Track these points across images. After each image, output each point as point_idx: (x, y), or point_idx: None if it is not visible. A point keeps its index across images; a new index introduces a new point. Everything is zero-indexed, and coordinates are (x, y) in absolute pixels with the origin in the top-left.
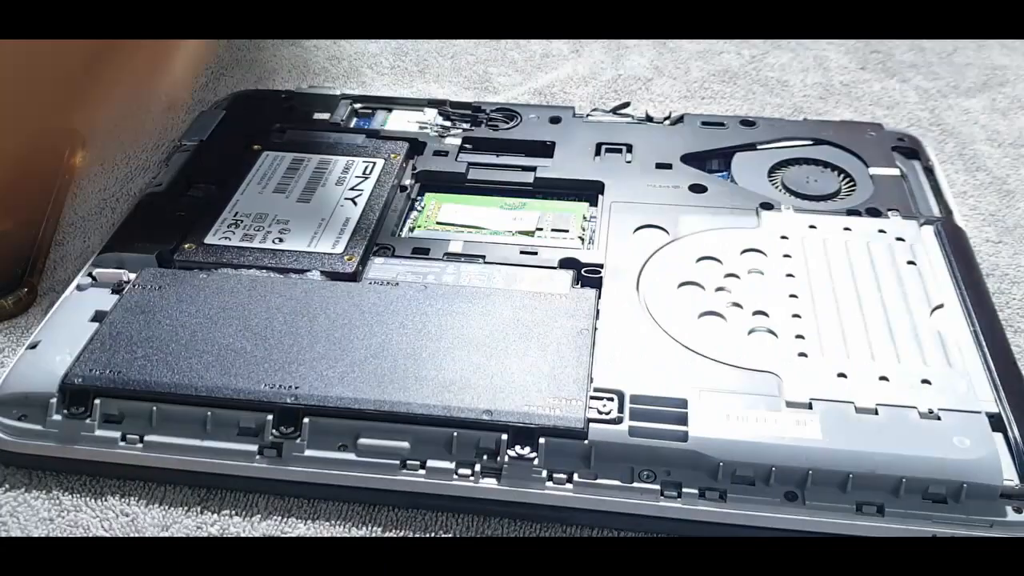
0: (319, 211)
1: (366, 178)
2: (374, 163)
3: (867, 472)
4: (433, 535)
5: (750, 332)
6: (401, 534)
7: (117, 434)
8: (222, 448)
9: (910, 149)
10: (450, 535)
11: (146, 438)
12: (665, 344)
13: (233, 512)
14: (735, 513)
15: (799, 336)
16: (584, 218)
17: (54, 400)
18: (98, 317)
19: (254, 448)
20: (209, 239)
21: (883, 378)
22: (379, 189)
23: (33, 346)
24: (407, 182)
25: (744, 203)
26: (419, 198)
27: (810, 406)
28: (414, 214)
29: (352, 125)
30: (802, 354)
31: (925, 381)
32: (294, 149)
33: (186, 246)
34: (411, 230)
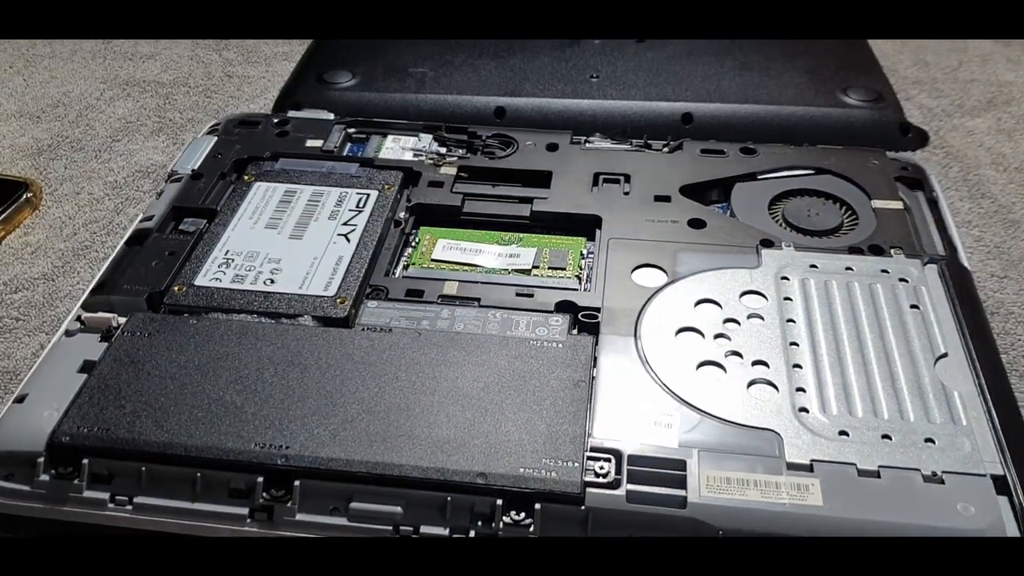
0: (311, 249)
1: (359, 212)
2: (368, 195)
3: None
4: None
5: (750, 384)
6: None
7: (106, 495)
8: (212, 511)
9: (914, 179)
10: None
11: (135, 500)
12: (663, 398)
13: None
14: None
15: (800, 389)
16: (581, 255)
17: (41, 460)
18: (87, 367)
19: (244, 511)
20: (200, 280)
21: (886, 436)
22: (372, 225)
23: (20, 399)
24: (401, 215)
25: (744, 240)
26: (414, 232)
27: (811, 468)
28: (408, 250)
29: (346, 152)
30: (803, 409)
31: (929, 440)
32: (287, 179)
33: (176, 288)
34: (405, 267)
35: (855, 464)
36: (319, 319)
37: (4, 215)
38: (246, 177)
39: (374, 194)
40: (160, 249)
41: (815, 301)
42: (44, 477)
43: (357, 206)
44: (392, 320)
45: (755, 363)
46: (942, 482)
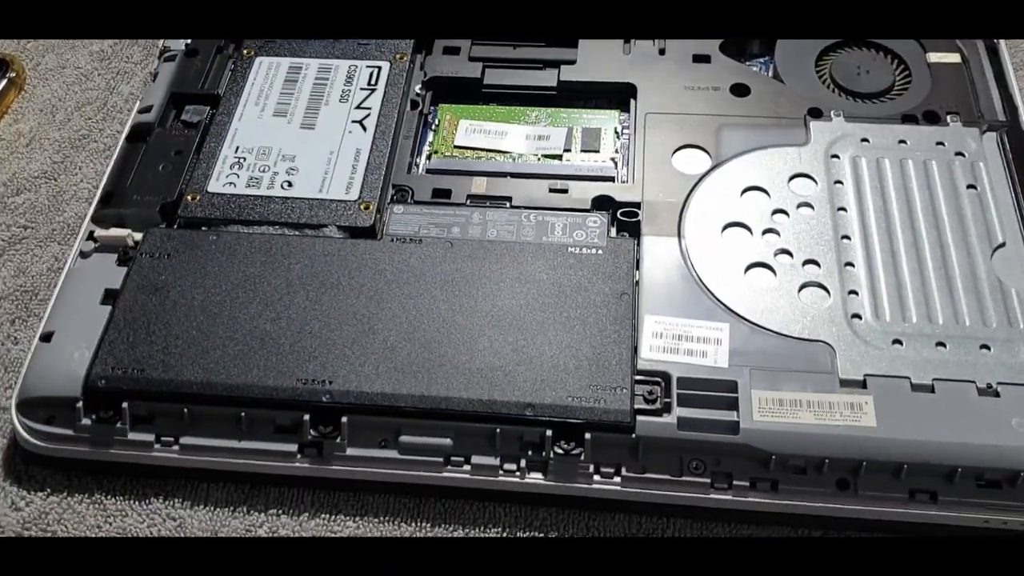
0: (326, 141)
1: (372, 90)
2: (379, 68)
3: (922, 462)
4: (483, 528)
5: (801, 288)
6: (451, 527)
7: (151, 437)
8: (261, 449)
9: None
10: (499, 528)
11: (181, 440)
12: (712, 309)
13: (280, 511)
14: (787, 503)
15: (852, 292)
16: (616, 132)
17: (80, 404)
18: (109, 297)
19: (294, 448)
20: (213, 186)
21: (940, 344)
22: (388, 107)
23: (47, 338)
24: (416, 89)
25: (791, 109)
26: (432, 110)
27: (864, 384)
28: (429, 135)
29: None
30: (856, 315)
31: (984, 347)
32: (289, 51)
33: (189, 197)
34: (428, 157)
35: (909, 378)
36: (344, 229)
37: None
38: (245, 52)
39: (386, 67)
40: (165, 147)
41: (866, 185)
42: (86, 421)
43: (369, 82)
44: (421, 227)
45: (806, 262)
46: (997, 395)
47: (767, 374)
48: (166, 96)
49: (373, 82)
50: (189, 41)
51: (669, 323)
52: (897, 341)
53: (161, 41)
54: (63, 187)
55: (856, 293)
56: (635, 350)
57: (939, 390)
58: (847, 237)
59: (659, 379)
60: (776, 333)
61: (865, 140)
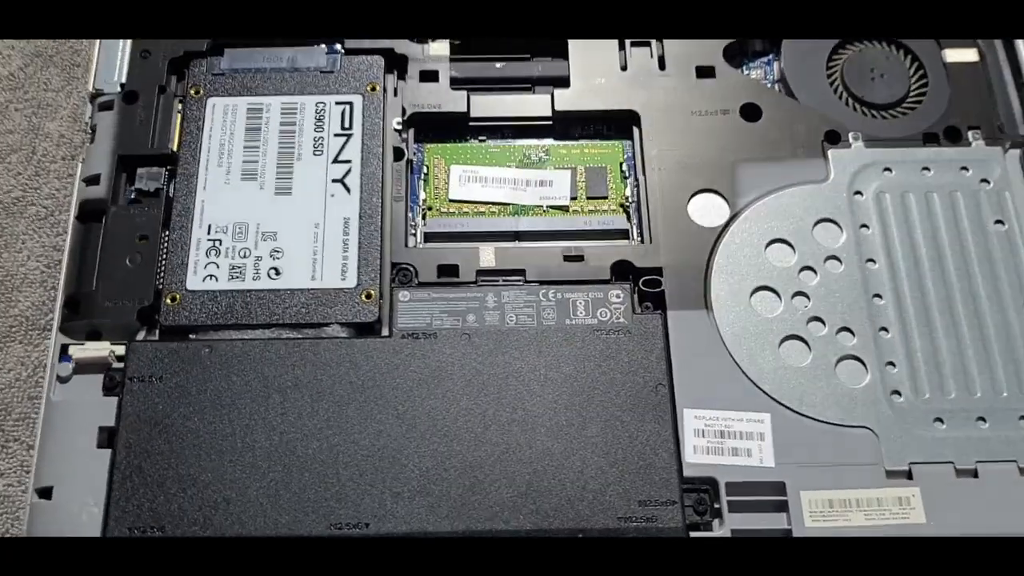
0: (308, 210)
1: (348, 135)
2: (350, 103)
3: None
4: None
5: (837, 362)
6: None
7: None
8: None
9: None
10: None
11: None
12: (750, 395)
13: None
14: None
15: (889, 363)
16: (623, 172)
17: None
18: (105, 437)
19: None
20: (192, 281)
21: (980, 419)
22: (369, 158)
23: (45, 493)
24: (395, 125)
25: (806, 133)
26: (417, 151)
27: (910, 474)
28: (418, 184)
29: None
30: (895, 391)
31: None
32: (244, 88)
33: (168, 299)
34: (423, 217)
35: (952, 463)
36: (348, 325)
37: None
38: (193, 93)
39: (358, 102)
40: (126, 231)
41: (893, 229)
42: None
43: (343, 126)
44: (432, 317)
45: (839, 330)
46: None
47: (814, 471)
48: (113, 161)
49: (347, 125)
50: (123, 82)
51: (710, 418)
52: (938, 419)
53: (89, 83)
54: (9, 270)
55: (893, 365)
56: (678, 449)
57: (982, 473)
58: (879, 296)
59: (707, 486)
60: (817, 420)
61: (888, 170)
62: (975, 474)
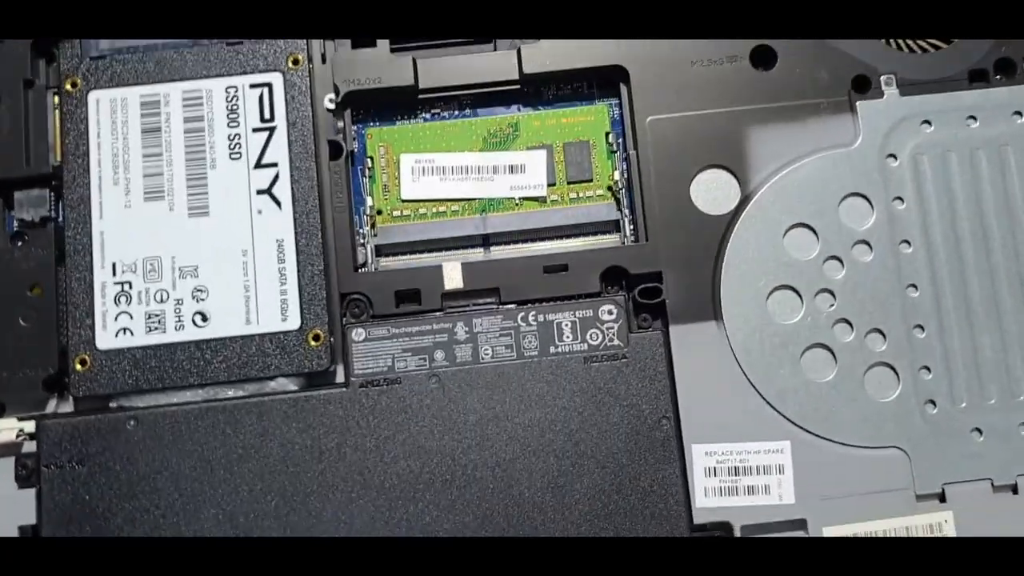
0: (231, 234)
1: (270, 129)
2: (268, 84)
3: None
4: None
5: (866, 371)
6: None
7: None
8: None
9: None
10: None
11: None
12: (767, 419)
13: None
14: None
15: (924, 368)
16: (608, 144)
17: None
18: (28, 534)
19: None
20: (102, 339)
21: (1022, 424)
22: (300, 159)
23: None
24: (328, 103)
25: (831, 80)
26: (358, 142)
27: (943, 497)
28: (364, 183)
29: None
30: (930, 401)
31: None
32: (132, 75)
33: (78, 364)
34: (372, 226)
35: (991, 480)
36: (297, 376)
37: None
38: (70, 87)
39: (278, 81)
40: (13, 281)
41: (932, 202)
42: None
43: (262, 117)
44: (394, 358)
45: (869, 332)
46: None
47: (838, 502)
48: None
49: (267, 115)
50: None
51: (722, 453)
52: (976, 430)
53: None
54: None
55: (928, 370)
56: (687, 492)
57: (1022, 487)
58: (913, 286)
59: (720, 531)
60: (843, 444)
61: (926, 123)
62: (1015, 489)
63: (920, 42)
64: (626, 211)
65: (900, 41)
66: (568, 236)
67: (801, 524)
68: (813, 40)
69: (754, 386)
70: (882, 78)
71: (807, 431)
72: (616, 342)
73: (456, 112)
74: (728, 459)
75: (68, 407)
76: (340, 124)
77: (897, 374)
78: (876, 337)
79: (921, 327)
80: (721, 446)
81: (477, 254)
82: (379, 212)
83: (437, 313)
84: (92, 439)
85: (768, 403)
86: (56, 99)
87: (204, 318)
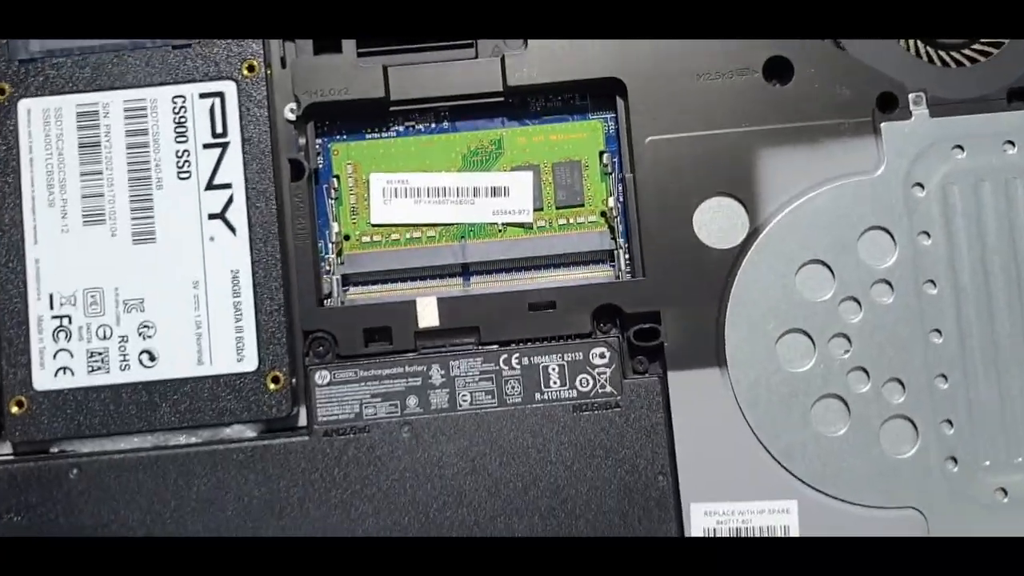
0: (181, 262)
1: (223, 144)
2: (221, 94)
3: None
4: None
5: (882, 424)
6: None
7: None
8: None
9: None
10: None
11: None
12: (773, 476)
13: None
14: None
15: (945, 421)
16: (603, 165)
17: None
18: None
19: None
20: (40, 379)
21: None
22: (257, 179)
23: None
24: (289, 114)
25: (853, 97)
26: (321, 157)
27: None
28: (330, 205)
29: None
30: (951, 458)
31: None
32: (67, 81)
33: (14, 407)
34: (338, 254)
35: None
36: (254, 423)
37: None
38: None
39: (231, 90)
40: None
41: (961, 235)
42: None
43: (214, 131)
44: (362, 404)
45: (887, 382)
46: None
47: None
48: None
49: (219, 129)
50: None
51: (722, 512)
52: (1001, 490)
53: None
54: None
55: (950, 424)
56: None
57: None
58: (937, 331)
59: None
60: (854, 504)
61: (958, 148)
62: None
63: (954, 53)
64: (621, 241)
65: (931, 51)
66: (556, 267)
67: None
68: (834, 50)
69: (759, 440)
70: (910, 96)
71: (816, 489)
72: (608, 389)
73: (433, 126)
74: (729, 519)
75: (7, 449)
76: (302, 139)
77: (916, 428)
78: (894, 387)
79: (944, 377)
80: (722, 505)
81: (455, 285)
82: (346, 238)
83: (410, 354)
84: (32, 488)
85: (774, 458)
86: None
87: (152, 357)
